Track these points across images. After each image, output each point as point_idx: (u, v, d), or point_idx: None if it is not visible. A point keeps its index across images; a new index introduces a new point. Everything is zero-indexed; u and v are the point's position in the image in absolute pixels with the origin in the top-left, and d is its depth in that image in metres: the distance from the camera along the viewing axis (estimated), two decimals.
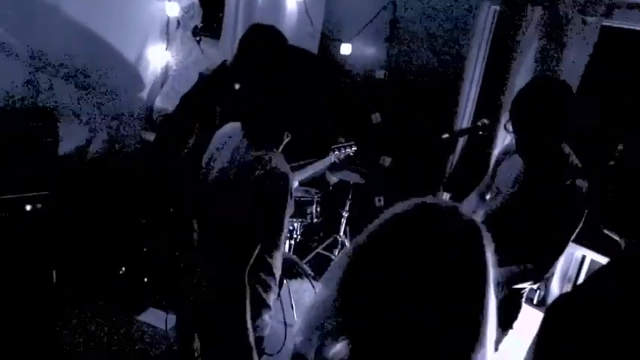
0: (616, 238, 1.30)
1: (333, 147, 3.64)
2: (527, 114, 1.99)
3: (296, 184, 3.25)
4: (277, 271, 1.99)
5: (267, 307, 1.98)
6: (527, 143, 2.05)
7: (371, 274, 0.87)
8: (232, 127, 1.96)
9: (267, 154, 1.77)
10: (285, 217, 1.81)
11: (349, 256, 0.92)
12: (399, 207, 0.92)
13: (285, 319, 2.79)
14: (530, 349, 1.24)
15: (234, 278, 1.75)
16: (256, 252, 1.76)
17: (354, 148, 3.73)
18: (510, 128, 2.07)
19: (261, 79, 1.96)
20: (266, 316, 1.98)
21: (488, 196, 2.48)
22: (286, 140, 1.91)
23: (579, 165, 2.08)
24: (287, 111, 1.83)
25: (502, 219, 2.20)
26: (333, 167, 3.90)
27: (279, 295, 3.63)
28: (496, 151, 3.76)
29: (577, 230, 2.05)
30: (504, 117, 3.77)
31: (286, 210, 1.78)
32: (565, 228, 2.06)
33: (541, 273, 2.16)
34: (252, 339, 1.82)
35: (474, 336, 0.85)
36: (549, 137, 2.00)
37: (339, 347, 0.86)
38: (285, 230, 1.87)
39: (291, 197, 1.77)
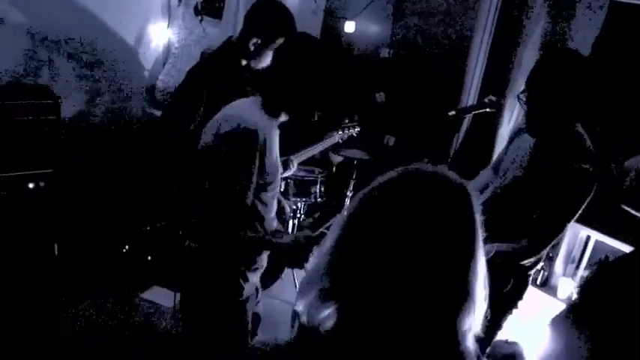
0: (638, 214, 1.31)
1: (337, 127, 3.62)
2: (541, 84, 1.96)
3: (295, 165, 3.22)
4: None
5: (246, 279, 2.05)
6: (538, 117, 2.03)
7: (359, 239, 0.89)
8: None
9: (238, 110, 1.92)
10: (253, 170, 1.86)
11: (341, 221, 0.93)
12: (386, 175, 0.94)
13: None
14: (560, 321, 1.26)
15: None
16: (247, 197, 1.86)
17: (358, 129, 3.71)
18: (523, 99, 2.04)
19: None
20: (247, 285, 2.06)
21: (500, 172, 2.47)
22: (283, 118, 1.99)
23: (592, 149, 2.04)
24: (286, 85, 1.91)
25: (509, 196, 2.18)
26: (335, 147, 3.90)
27: (281, 274, 3.67)
28: (508, 128, 3.73)
29: (578, 213, 2.04)
30: (511, 94, 3.73)
31: (252, 163, 1.84)
32: (567, 210, 2.05)
33: (535, 249, 2.15)
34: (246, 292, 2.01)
35: (463, 295, 0.85)
36: (560, 111, 1.97)
37: (329, 312, 0.87)
38: (253, 183, 1.89)
39: (256, 151, 1.84)
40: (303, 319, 0.91)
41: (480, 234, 0.89)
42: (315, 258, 0.95)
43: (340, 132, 3.63)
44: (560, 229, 2.09)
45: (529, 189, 2.11)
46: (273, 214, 2.11)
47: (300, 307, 0.92)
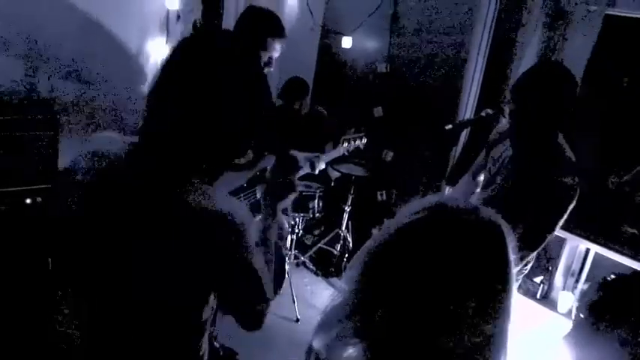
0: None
1: (342, 138, 3.47)
2: (525, 98, 1.96)
3: (322, 166, 3.13)
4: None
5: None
6: (522, 130, 2.03)
7: (387, 281, 0.85)
8: None
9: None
10: None
11: (364, 261, 0.89)
12: (412, 209, 0.88)
13: None
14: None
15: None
16: None
17: (364, 140, 3.57)
18: (508, 109, 2.05)
19: None
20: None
21: (481, 177, 2.48)
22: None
23: (572, 159, 2.04)
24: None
25: (492, 205, 2.18)
26: (334, 162, 3.80)
27: (280, 289, 3.63)
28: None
29: (559, 225, 2.04)
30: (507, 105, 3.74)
31: None
32: (546, 222, 2.04)
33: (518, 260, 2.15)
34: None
35: (495, 342, 0.83)
36: (544, 125, 1.97)
37: (355, 349, 0.85)
38: None
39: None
40: (324, 356, 0.88)
41: (514, 276, 0.86)
42: (338, 294, 0.91)
43: (346, 144, 3.44)
44: (541, 241, 2.09)
45: (509, 200, 2.10)
46: None
47: (319, 344, 0.90)
